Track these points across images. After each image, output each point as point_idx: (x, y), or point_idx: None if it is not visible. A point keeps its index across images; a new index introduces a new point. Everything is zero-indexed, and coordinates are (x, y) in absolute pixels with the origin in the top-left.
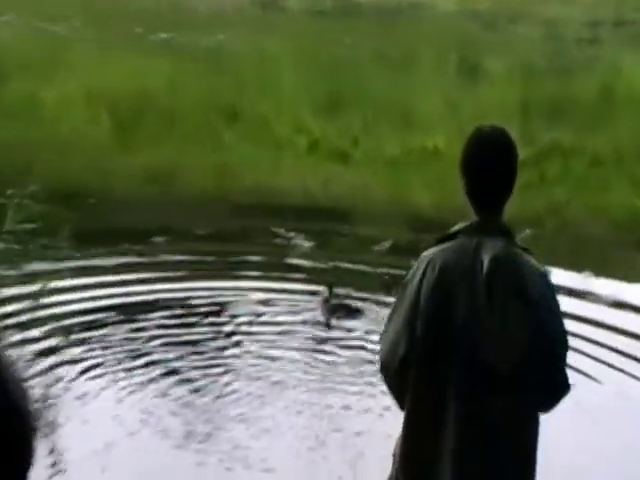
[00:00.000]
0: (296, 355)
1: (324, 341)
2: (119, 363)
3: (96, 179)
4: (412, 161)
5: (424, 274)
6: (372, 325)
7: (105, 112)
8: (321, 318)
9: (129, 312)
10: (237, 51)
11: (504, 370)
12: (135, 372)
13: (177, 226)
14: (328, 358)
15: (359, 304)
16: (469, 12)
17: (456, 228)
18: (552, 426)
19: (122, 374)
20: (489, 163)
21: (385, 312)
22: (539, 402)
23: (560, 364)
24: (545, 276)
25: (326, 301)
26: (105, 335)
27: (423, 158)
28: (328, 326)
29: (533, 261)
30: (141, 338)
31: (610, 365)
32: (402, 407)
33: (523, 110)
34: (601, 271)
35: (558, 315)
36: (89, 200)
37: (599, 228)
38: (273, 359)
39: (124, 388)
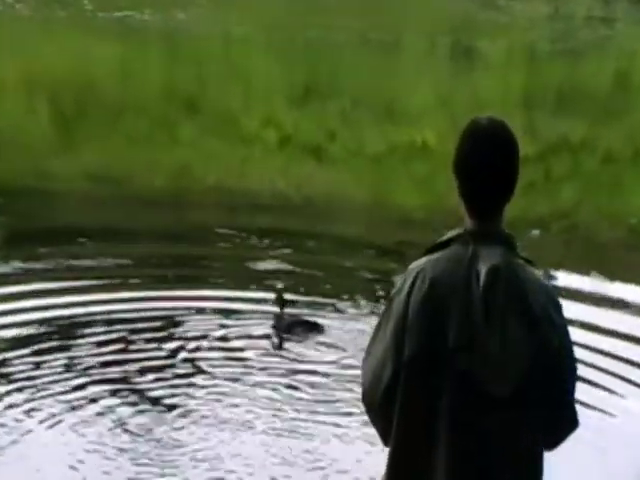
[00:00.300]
0: (253, 379)
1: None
2: (46, 391)
3: (32, 178)
4: (397, 158)
5: (412, 287)
6: (332, 344)
7: (45, 102)
8: (272, 338)
9: (62, 327)
10: (199, 33)
11: (502, 395)
12: (67, 402)
13: (124, 229)
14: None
15: (320, 319)
16: None
17: (449, 235)
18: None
19: (51, 405)
20: (487, 161)
21: (352, 326)
22: (541, 432)
23: (566, 397)
24: (550, 291)
25: (278, 317)
26: (28, 356)
27: (410, 155)
28: (280, 347)
29: (536, 274)
30: (75, 361)
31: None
32: (387, 441)
33: (526, 100)
34: (615, 277)
35: (565, 335)
36: (23, 201)
37: (612, 232)
38: (225, 394)
39: (54, 426)
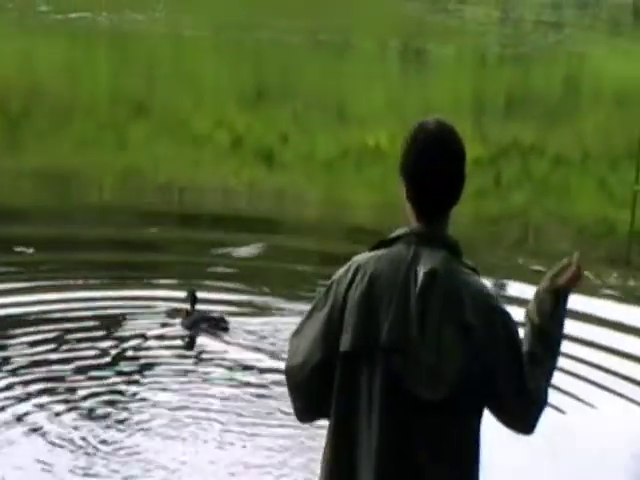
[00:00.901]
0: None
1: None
2: None
3: None
4: (349, 161)
5: (353, 281)
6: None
7: None
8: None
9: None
10: (150, 35)
11: (432, 400)
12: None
13: (68, 233)
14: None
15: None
16: None
17: (395, 234)
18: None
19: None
20: (434, 165)
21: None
22: (506, 423)
23: (521, 386)
24: (491, 298)
25: (187, 313)
26: None
27: (362, 157)
28: (191, 344)
29: (478, 281)
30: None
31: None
32: (302, 418)
33: (475, 103)
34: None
35: (508, 343)
36: None
37: (562, 238)
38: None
39: None
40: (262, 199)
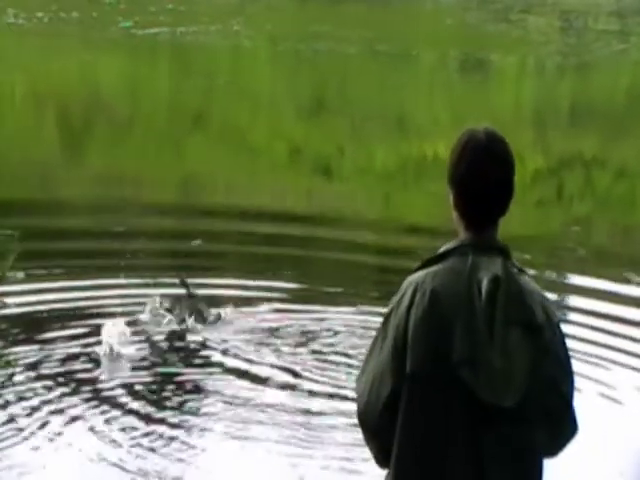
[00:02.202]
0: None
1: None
2: None
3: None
4: (408, 173)
5: (412, 301)
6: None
7: (53, 117)
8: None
9: None
10: (206, 45)
11: (507, 406)
12: None
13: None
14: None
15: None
16: (475, 0)
17: (446, 248)
18: None
19: None
20: (483, 172)
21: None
22: (543, 442)
23: (566, 405)
24: (544, 301)
25: (177, 301)
26: None
27: (421, 169)
28: (183, 335)
29: (533, 283)
30: None
31: None
32: (381, 462)
33: (537, 114)
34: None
35: (562, 344)
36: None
37: (625, 250)
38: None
39: None
40: (320, 208)
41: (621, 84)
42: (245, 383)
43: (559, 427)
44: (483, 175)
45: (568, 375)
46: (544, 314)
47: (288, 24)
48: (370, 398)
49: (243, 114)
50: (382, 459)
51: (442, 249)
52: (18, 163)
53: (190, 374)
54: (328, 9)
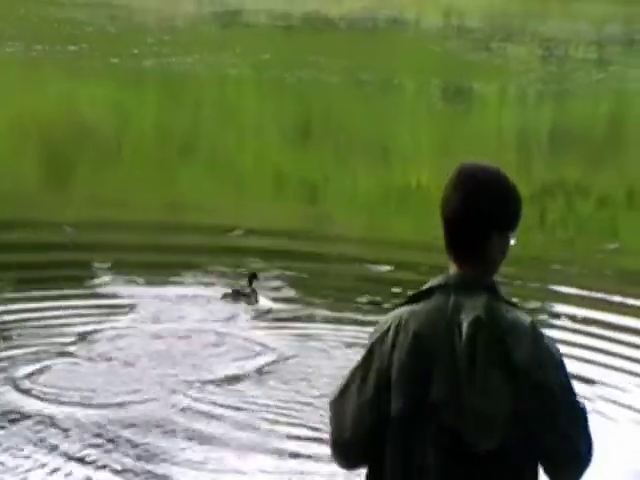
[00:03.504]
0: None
1: None
2: None
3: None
4: (392, 200)
5: (394, 341)
6: None
7: (36, 146)
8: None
9: None
10: (191, 74)
11: (488, 448)
12: None
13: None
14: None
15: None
16: (456, 29)
17: (431, 284)
18: None
19: None
20: (462, 204)
21: None
22: (551, 477)
23: (566, 440)
24: (536, 333)
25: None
26: None
27: (404, 196)
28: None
29: (522, 317)
30: None
31: None
32: (346, 469)
33: (519, 141)
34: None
35: (557, 378)
36: None
37: (606, 282)
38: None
39: None
40: (305, 236)
41: (601, 112)
42: None
43: (560, 462)
44: (451, 202)
45: (566, 410)
46: (533, 351)
47: (273, 53)
48: (346, 429)
49: (230, 141)
50: (341, 467)
51: (427, 285)
52: None
53: None
54: (312, 38)
